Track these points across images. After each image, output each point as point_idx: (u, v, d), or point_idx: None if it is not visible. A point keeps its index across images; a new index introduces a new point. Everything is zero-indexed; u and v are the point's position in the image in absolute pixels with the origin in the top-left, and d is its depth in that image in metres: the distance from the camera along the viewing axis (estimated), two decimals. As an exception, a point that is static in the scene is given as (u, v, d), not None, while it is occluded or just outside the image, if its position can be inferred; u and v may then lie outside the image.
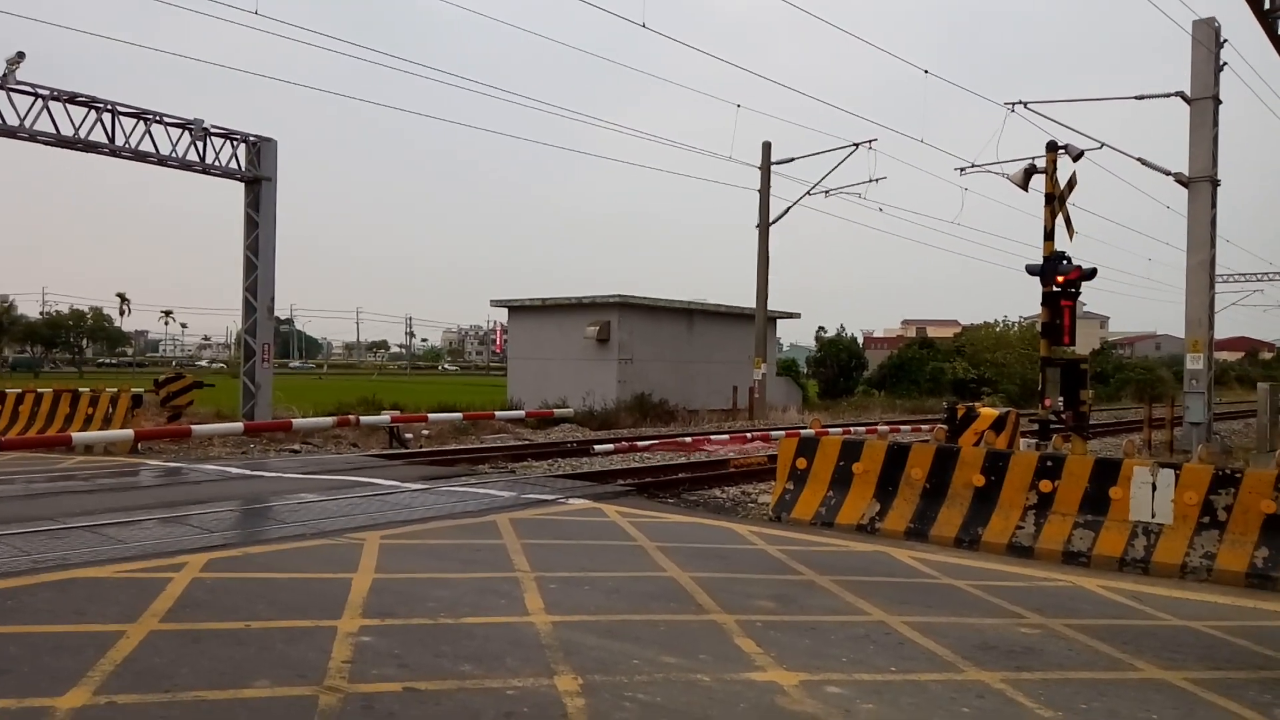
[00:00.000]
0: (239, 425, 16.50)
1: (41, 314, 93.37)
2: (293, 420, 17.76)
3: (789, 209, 30.92)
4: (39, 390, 18.45)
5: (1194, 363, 20.28)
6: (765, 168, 30.67)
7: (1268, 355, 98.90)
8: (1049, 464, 8.39)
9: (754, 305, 31.31)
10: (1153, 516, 7.75)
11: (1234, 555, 7.33)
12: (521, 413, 23.99)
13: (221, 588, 6.04)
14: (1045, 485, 8.29)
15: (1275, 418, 17.95)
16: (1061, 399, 12.80)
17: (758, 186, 30.78)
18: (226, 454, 16.42)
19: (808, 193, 30.33)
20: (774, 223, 30.82)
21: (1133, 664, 5.01)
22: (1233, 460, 16.36)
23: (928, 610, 6.01)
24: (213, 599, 5.73)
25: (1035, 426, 14.04)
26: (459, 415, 21.11)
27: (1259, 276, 50.77)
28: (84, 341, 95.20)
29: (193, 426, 15.31)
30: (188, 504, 9.50)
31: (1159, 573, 7.48)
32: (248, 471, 12.67)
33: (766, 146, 30.79)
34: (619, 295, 30.22)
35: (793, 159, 30.74)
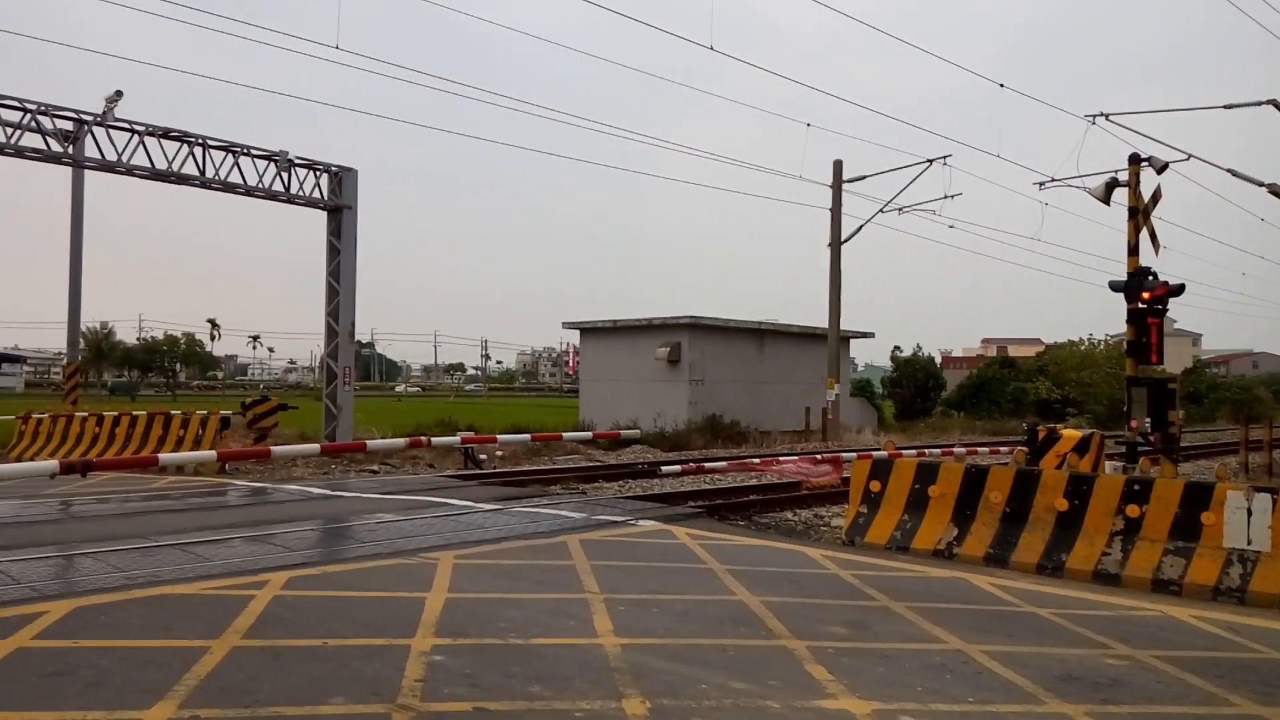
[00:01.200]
0: (316, 446, 16.97)
1: (138, 339, 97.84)
2: (368, 441, 18.19)
3: (861, 227, 30.61)
4: (134, 413, 19.29)
5: (1294, 381, 19.29)
6: (836, 186, 30.42)
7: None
8: (1136, 488, 8.07)
9: (826, 325, 30.99)
10: (1249, 543, 7.38)
11: (1340, 585, 6.93)
12: (589, 434, 24.13)
13: (301, 605, 6.20)
14: (1132, 510, 7.98)
15: (1385, 439, 16.93)
16: (1149, 420, 12.32)
17: (829, 205, 30.55)
18: (309, 474, 16.90)
19: (880, 210, 30.00)
20: (846, 241, 30.53)
21: (1227, 699, 4.77)
22: (1339, 484, 15.48)
23: (1008, 639, 5.83)
24: (293, 616, 5.89)
25: (1122, 449, 13.54)
26: (528, 436, 21.34)
27: (1366, 290, 48.18)
28: (177, 366, 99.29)
29: (272, 448, 15.79)
30: (271, 523, 9.79)
31: (1256, 602, 7.11)
32: (328, 492, 13.01)
33: (838, 165, 30.55)
34: (689, 316, 30.24)
35: (864, 176, 30.47)
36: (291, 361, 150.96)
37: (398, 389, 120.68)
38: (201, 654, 4.98)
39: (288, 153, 20.13)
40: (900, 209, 29.66)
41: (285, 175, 20.24)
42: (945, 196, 28.86)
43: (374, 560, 7.79)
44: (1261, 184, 20.27)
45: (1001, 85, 22.60)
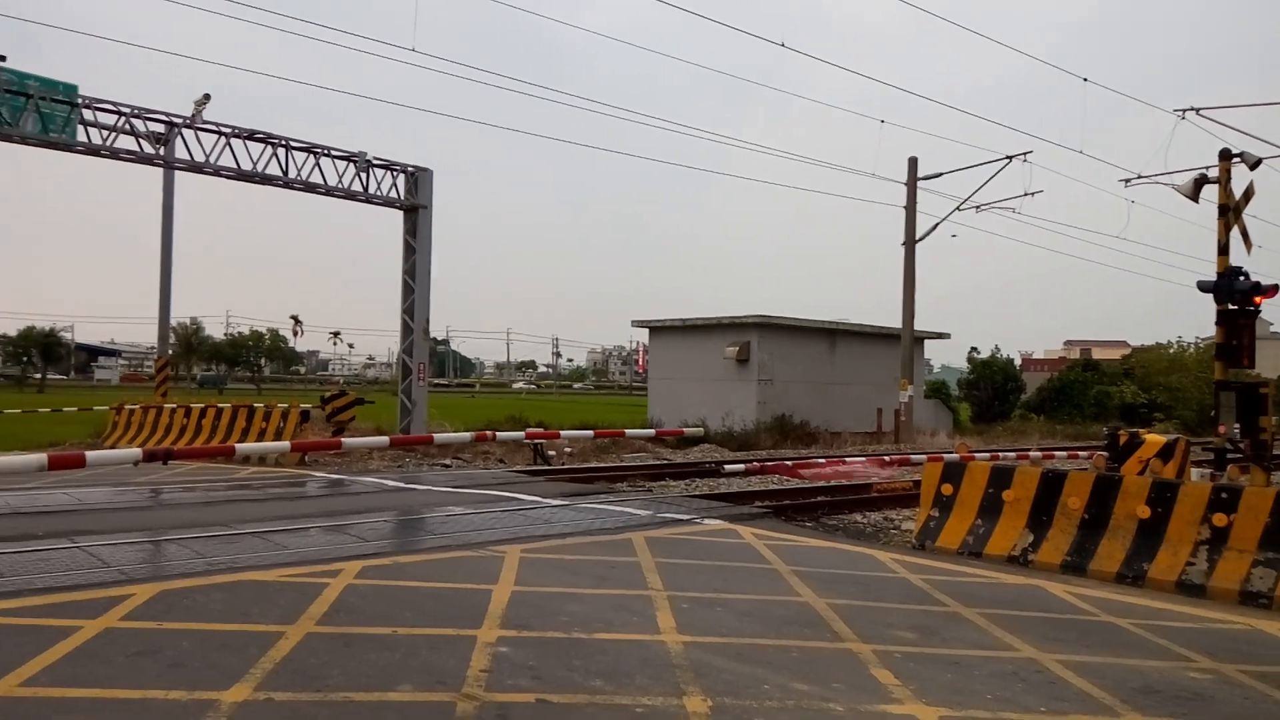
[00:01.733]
0: (385, 439, 17.39)
1: (225, 335, 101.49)
2: (435, 435, 18.56)
3: (937, 225, 30.00)
4: (219, 405, 20.02)
5: (1402, 387, 18.27)
6: (911, 183, 29.86)
7: None
8: (1224, 496, 7.74)
9: (899, 325, 30.45)
10: (1347, 557, 7.01)
11: None
12: (653, 431, 24.19)
13: (373, 594, 6.36)
14: (1220, 519, 7.66)
15: None
16: (1238, 426, 11.80)
17: (903, 203, 30.01)
18: (384, 467, 17.31)
19: (957, 208, 29.35)
20: (921, 240, 29.95)
21: (1320, 719, 4.54)
22: None
23: (1084, 649, 5.65)
24: (364, 605, 6.04)
25: (1209, 456, 13.00)
26: (590, 433, 21.51)
27: None
28: (262, 360, 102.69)
29: (342, 440, 16.22)
30: (346, 514, 10.06)
31: (1355, 619, 6.75)
32: (402, 484, 13.30)
33: (912, 162, 29.99)
34: (759, 315, 30.03)
35: (940, 174, 29.84)
36: (370, 357, 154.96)
37: (515, 385, 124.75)
38: (277, 639, 5.14)
39: (366, 154, 20.64)
40: (978, 207, 28.97)
41: (364, 175, 20.76)
42: (1025, 194, 28.09)
43: (443, 552, 7.94)
44: (1367, 179, 19.24)
45: (1085, 79, 21.92)
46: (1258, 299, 12.26)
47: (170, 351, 27.82)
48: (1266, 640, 6.13)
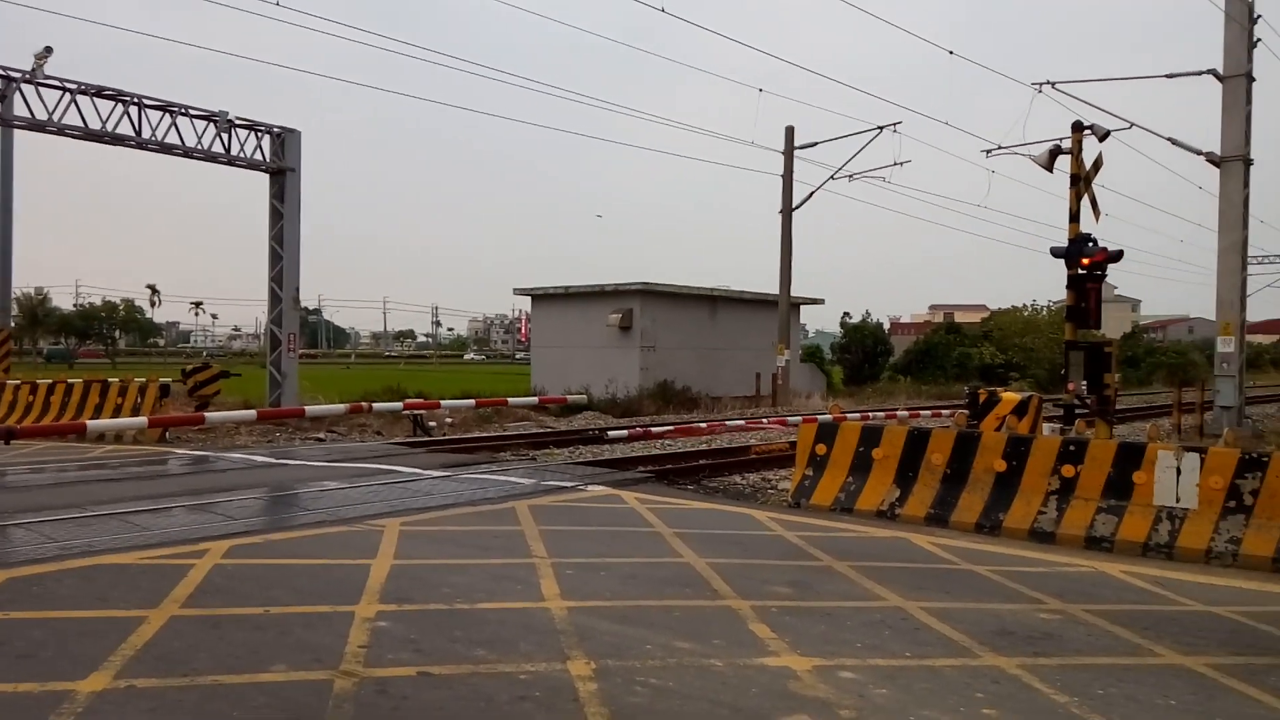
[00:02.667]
0: (252, 413, 16.72)
1: (75, 306, 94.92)
2: (307, 407, 17.95)
3: (812, 194, 30.71)
4: (69, 380, 18.75)
5: (1225, 346, 19.96)
6: (788, 152, 30.46)
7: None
8: (1071, 449, 8.29)
9: (777, 292, 31.17)
10: (1177, 501, 7.64)
11: (1260, 540, 7.21)
12: (535, 399, 24.11)
13: (242, 574, 6.12)
14: (1068, 470, 8.21)
15: (1309, 401, 17.61)
16: (1085, 383, 12.64)
17: (780, 172, 30.60)
18: (252, 442, 16.63)
19: (831, 177, 30.11)
20: (797, 208, 30.63)
21: (1152, 649, 4.95)
22: (1263, 444, 16.09)
23: (946, 596, 5.97)
24: (233, 585, 5.81)
25: (1060, 411, 13.89)
26: (472, 402, 21.25)
27: (1294, 258, 49.82)
28: (116, 333, 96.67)
29: (206, 414, 15.51)
30: (212, 491, 9.63)
31: (1183, 558, 7.38)
32: (272, 459, 12.82)
33: (789, 131, 30.57)
34: (641, 283, 30.19)
35: (815, 143, 30.51)
36: (236, 328, 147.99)
37: (467, 356, 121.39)
38: (138, 624, 4.89)
39: (227, 113, 19.54)
40: (851, 176, 29.80)
41: (225, 136, 19.67)
42: (895, 164, 29.03)
43: (318, 528, 7.71)
44: (1200, 153, 20.75)
45: (950, 52, 22.72)
46: (1104, 264, 13.11)
47: (12, 324, 25.84)
48: (1109, 582, 6.62)
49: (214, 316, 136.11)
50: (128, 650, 4.48)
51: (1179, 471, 7.65)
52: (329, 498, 9.28)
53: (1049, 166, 14.46)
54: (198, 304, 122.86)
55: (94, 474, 11.43)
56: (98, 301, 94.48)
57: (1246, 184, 20.20)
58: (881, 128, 28.44)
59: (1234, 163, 19.93)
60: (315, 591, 5.66)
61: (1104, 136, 14.29)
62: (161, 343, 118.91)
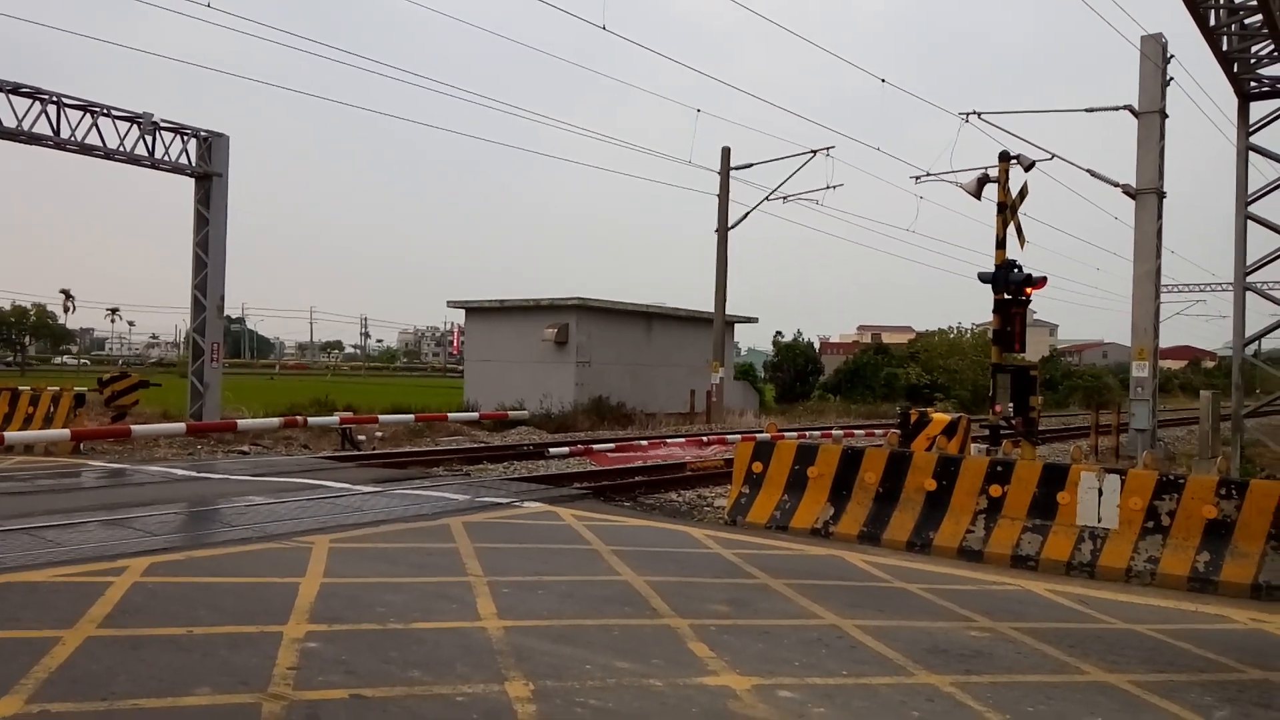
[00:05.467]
0: (181, 426, 16.15)
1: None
2: (238, 421, 17.42)
3: (747, 214, 31.11)
4: (-24, 388, 17.86)
5: (1139, 370, 20.75)
6: (725, 173, 30.81)
7: (1210, 364, 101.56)
8: (999, 469, 8.51)
9: (712, 309, 31.43)
10: (1099, 521, 7.89)
11: (1176, 559, 7.49)
12: (476, 415, 23.80)
13: (163, 593, 5.88)
14: (995, 490, 8.41)
15: (1217, 425, 18.42)
16: (1012, 405, 13.00)
17: (717, 191, 30.92)
18: (172, 455, 16.06)
19: (766, 198, 30.57)
20: (733, 228, 30.97)
21: (1079, 667, 5.09)
22: (1176, 466, 16.76)
23: (880, 614, 6.05)
24: (154, 604, 5.58)
25: (986, 432, 14.25)
26: (411, 417, 20.88)
27: (1202, 287, 52.28)
28: (26, 339, 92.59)
29: (133, 426, 14.94)
30: (130, 506, 9.25)
31: (1104, 576, 7.61)
32: (194, 473, 12.39)
33: (726, 151, 30.93)
34: (577, 298, 30.13)
35: (751, 164, 30.92)
36: (154, 336, 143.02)
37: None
38: (52, 645, 4.65)
39: (152, 114, 18.96)
40: (785, 197, 30.30)
41: (150, 139, 19.08)
42: (828, 187, 29.66)
43: (244, 545, 7.46)
44: (1117, 184, 21.61)
45: (883, 81, 23.31)
46: (1029, 290, 13.52)
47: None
48: (1035, 600, 6.80)
49: (131, 323, 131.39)
50: (40, 673, 4.25)
51: (1101, 492, 7.91)
52: (255, 513, 9.00)
53: (977, 194, 14.88)
54: (114, 310, 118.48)
55: (1, 486, 10.89)
56: (6, 306, 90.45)
57: (1160, 215, 21.09)
58: (815, 151, 29.02)
59: (1148, 195, 20.80)
60: (241, 611, 5.47)
61: (1029, 167, 14.77)
62: (74, 349, 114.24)
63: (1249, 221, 18.03)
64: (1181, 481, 7.72)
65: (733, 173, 30.79)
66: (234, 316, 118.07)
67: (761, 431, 17.45)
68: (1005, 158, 14.41)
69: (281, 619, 5.28)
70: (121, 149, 18.64)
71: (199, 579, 6.27)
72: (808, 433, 19.46)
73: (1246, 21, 16.07)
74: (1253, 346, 19.78)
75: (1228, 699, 4.63)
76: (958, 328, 58.09)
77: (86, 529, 7.93)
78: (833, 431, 21.04)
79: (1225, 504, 7.45)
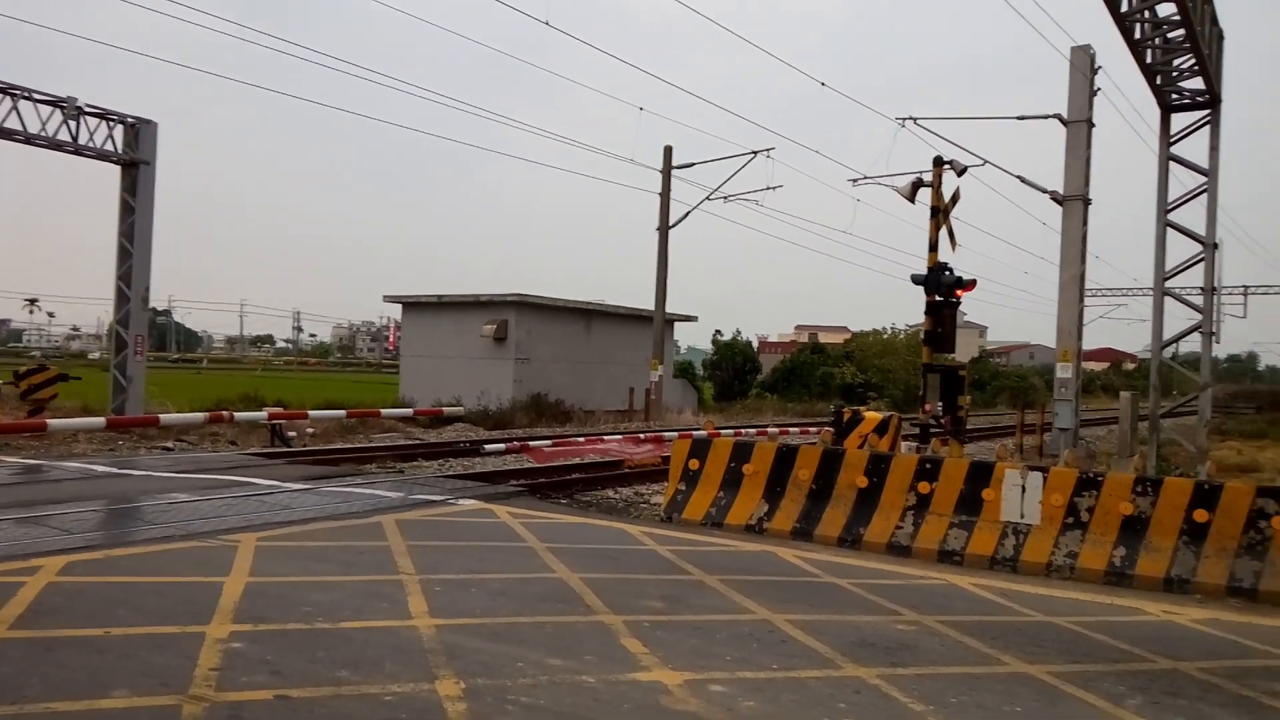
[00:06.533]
0: (101, 420, 15.60)
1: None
2: (161, 415, 16.90)
3: (689, 213, 31.27)
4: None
5: (1064, 371, 21.40)
6: (666, 171, 30.91)
7: (1130, 366, 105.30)
8: (928, 466, 8.70)
9: (652, 307, 31.51)
10: (1022, 517, 8.13)
11: (1095, 554, 7.75)
12: (410, 411, 23.48)
13: (80, 593, 5.69)
14: (924, 487, 8.60)
15: (1135, 424, 19.12)
16: (941, 404, 13.31)
17: (659, 190, 31.01)
18: (93, 451, 15.52)
19: (707, 197, 30.74)
20: (674, 226, 31.10)
21: (1000, 658, 5.23)
22: (1096, 464, 17.34)
23: (810, 609, 6.14)
24: (69, 605, 5.39)
25: (916, 430, 14.56)
26: (343, 412, 20.50)
27: (1124, 291, 54.21)
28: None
29: (49, 421, 14.39)
30: (46, 503, 8.92)
31: (1026, 571, 7.84)
32: (115, 470, 11.99)
33: (668, 150, 31.03)
34: (517, 294, 29.95)
35: (693, 164, 31.07)
36: (75, 328, 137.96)
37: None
38: (-43, 649, 4.46)
39: (76, 99, 18.27)
40: (726, 197, 30.52)
41: (73, 124, 18.38)
42: (768, 188, 29.99)
43: (166, 543, 7.25)
44: (1045, 191, 22.24)
45: (823, 84, 23.63)
46: (959, 292, 13.86)
47: None
48: (960, 594, 6.97)
49: (50, 315, 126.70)
50: (-56, 678, 4.08)
51: (1024, 489, 8.14)
52: (178, 511, 8.75)
53: (911, 198, 15.20)
54: (32, 300, 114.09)
55: (-93, 483, 10.41)
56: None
57: (1085, 222, 21.78)
58: (756, 152, 29.29)
59: (1075, 201, 21.46)
60: (162, 611, 5.31)
61: (962, 172, 15.13)
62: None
63: (1168, 229, 18.73)
64: (1100, 479, 7.99)
65: (674, 172, 30.91)
66: (160, 309, 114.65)
67: (700, 429, 17.57)
68: (939, 163, 14.74)
69: (205, 619, 5.15)
70: (43, 134, 17.93)
71: (119, 578, 6.07)
72: (744, 430, 19.64)
73: (1170, 35, 16.68)
74: (1171, 349, 20.54)
75: (1139, 688, 4.81)
76: (892, 328, 59.27)
77: (-2, 527, 7.62)
78: (769, 429, 21.27)
79: (1141, 501, 7.74)
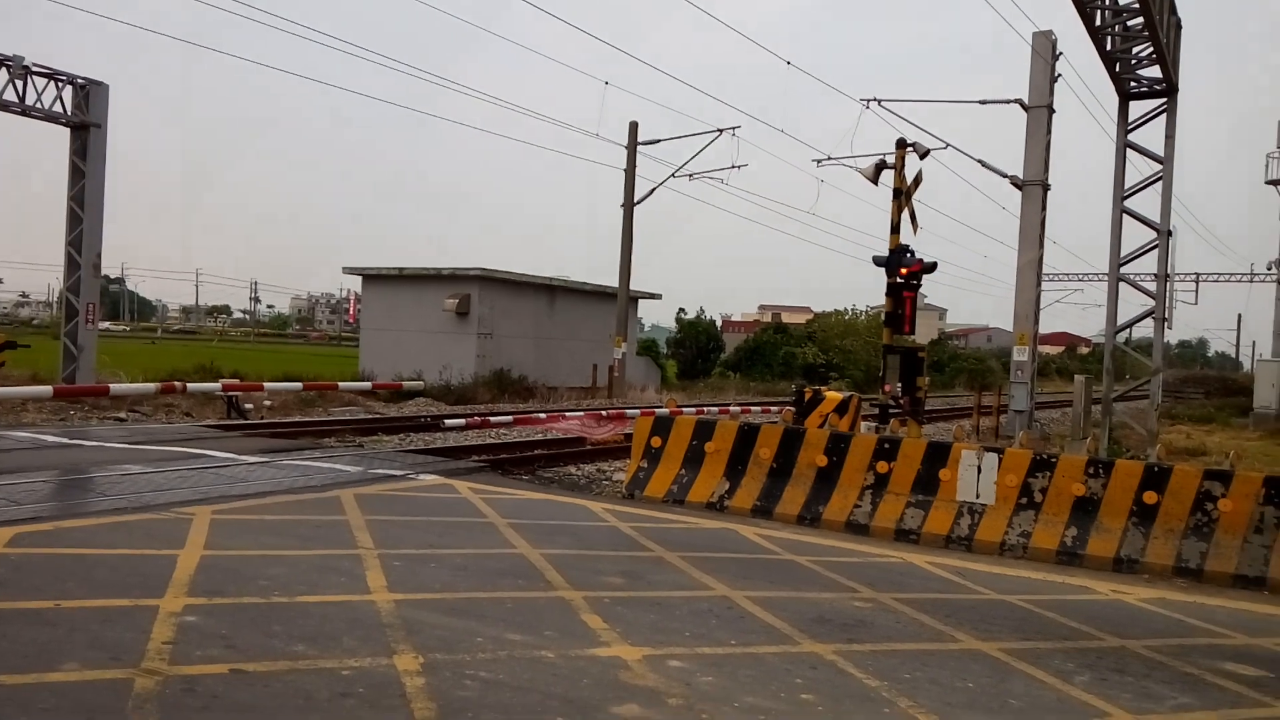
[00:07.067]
0: (48, 389, 15.25)
1: None
2: (111, 385, 16.55)
3: (654, 190, 31.16)
4: None
5: (1020, 355, 21.77)
6: (632, 147, 30.75)
7: (1085, 350, 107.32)
8: (886, 446, 8.80)
9: (616, 284, 31.44)
10: (977, 497, 8.27)
11: (1047, 534, 7.91)
12: (369, 385, 23.26)
13: (28, 564, 5.57)
14: (882, 466, 8.71)
15: (1089, 408, 19.52)
16: (900, 385, 13.46)
17: (624, 166, 30.86)
18: (42, 420, 15.17)
19: (672, 175, 30.67)
20: (639, 203, 30.98)
21: (953, 635, 5.33)
22: (1050, 446, 17.69)
23: (769, 585, 6.20)
24: (17, 577, 5.27)
25: (876, 411, 14.73)
26: (299, 385, 20.24)
27: (1080, 277, 55.20)
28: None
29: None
30: (-7, 474, 8.70)
31: (980, 550, 7.99)
32: (65, 440, 11.73)
33: (633, 126, 30.86)
34: (480, 268, 29.69)
35: (659, 140, 30.97)
36: (24, 295, 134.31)
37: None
38: (-102, 622, 4.35)
39: (23, 58, 17.70)
40: (691, 175, 30.47)
41: (19, 84, 17.81)
42: (733, 166, 30.01)
43: (118, 515, 7.12)
44: (1005, 175, 22.49)
45: (789, 63, 23.60)
46: (919, 274, 13.99)
47: None
48: (916, 572, 7.08)
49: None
50: (-115, 652, 3.97)
51: (980, 470, 8.28)
52: (130, 482, 8.59)
53: (874, 179, 15.27)
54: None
55: None
56: None
57: (1044, 207, 22.07)
58: (721, 130, 29.24)
59: (1034, 187, 21.72)
60: (114, 584, 5.22)
61: (924, 155, 15.24)
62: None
63: (1124, 216, 19.06)
64: (1053, 461, 8.15)
65: (640, 148, 30.77)
66: (112, 276, 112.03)
67: (662, 407, 17.61)
68: (902, 145, 14.82)
69: (158, 592, 5.07)
70: (-13, 93, 17.36)
71: (68, 550, 5.95)
72: (707, 409, 19.74)
73: (1129, 23, 16.90)
74: (1124, 334, 20.99)
75: (1087, 665, 4.93)
76: (853, 309, 59.75)
77: (-58, 498, 7.43)
78: (731, 408, 21.40)
79: (1093, 482, 7.91)
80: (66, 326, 19.62)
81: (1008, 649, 5.11)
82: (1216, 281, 53.16)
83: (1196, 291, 50.84)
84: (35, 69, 18.01)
